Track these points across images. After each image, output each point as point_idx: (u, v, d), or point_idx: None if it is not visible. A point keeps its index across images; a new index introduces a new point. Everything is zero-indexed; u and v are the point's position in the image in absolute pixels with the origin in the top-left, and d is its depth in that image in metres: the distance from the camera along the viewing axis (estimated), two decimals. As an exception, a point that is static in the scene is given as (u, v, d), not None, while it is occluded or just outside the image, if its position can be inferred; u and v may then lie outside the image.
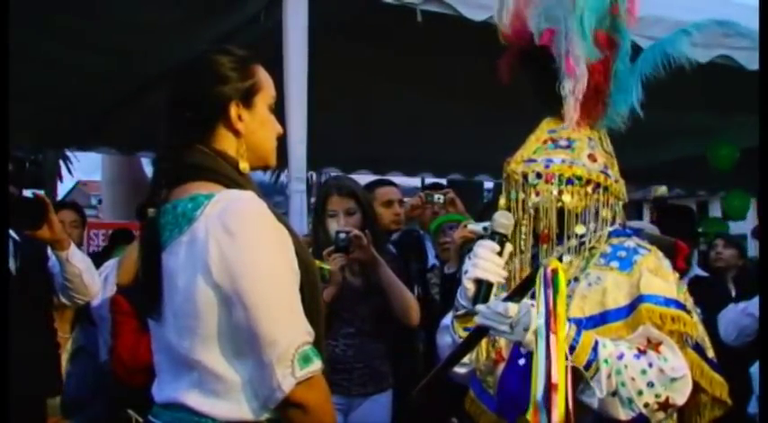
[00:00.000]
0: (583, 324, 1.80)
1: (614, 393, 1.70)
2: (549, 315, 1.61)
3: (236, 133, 1.58)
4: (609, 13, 1.97)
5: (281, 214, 1.57)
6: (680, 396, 1.73)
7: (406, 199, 3.96)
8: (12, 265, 2.84)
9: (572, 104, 1.97)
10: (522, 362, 1.88)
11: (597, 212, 1.94)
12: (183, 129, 1.57)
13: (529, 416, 1.62)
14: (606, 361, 1.70)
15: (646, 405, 1.69)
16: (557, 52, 1.96)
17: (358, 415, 2.88)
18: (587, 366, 1.69)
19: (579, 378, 1.70)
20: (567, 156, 1.94)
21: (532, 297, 1.71)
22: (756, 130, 2.66)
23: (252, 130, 1.60)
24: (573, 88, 1.95)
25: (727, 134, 6.15)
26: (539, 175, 1.92)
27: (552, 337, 1.60)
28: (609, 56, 1.98)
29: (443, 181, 7.14)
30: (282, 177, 6.17)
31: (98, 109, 5.51)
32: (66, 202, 5.90)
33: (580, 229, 1.92)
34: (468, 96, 5.02)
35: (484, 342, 1.96)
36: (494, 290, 1.87)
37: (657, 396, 1.69)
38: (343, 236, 2.79)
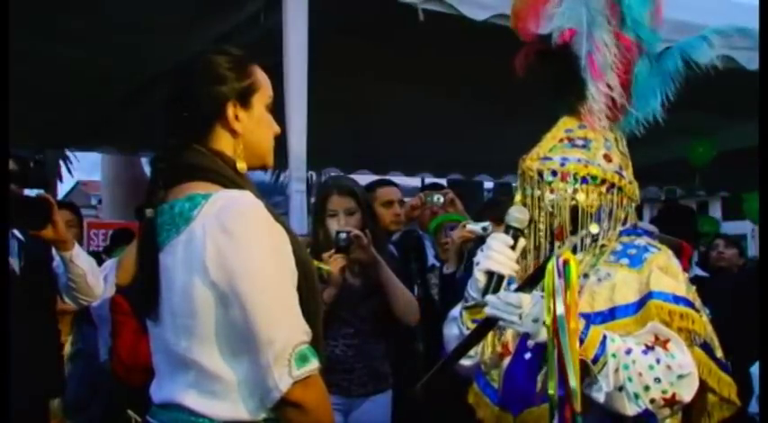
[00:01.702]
0: (591, 319, 1.81)
1: (621, 388, 1.71)
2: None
3: (234, 133, 1.59)
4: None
5: (279, 214, 1.57)
6: (686, 392, 1.73)
7: (405, 199, 3.96)
8: (16, 264, 2.83)
9: (597, 108, 1.98)
10: (528, 356, 1.89)
11: (611, 212, 1.96)
12: (181, 129, 1.58)
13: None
14: (614, 355, 1.71)
15: (652, 401, 1.70)
16: (578, 53, 1.98)
17: (358, 415, 2.88)
18: (595, 360, 1.70)
19: (587, 372, 1.71)
20: (582, 155, 1.96)
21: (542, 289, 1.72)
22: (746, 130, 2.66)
23: (249, 129, 1.60)
24: (599, 91, 1.96)
25: (710, 134, 6.15)
26: (554, 173, 1.94)
27: (566, 327, 1.61)
28: (631, 59, 2.00)
29: (443, 181, 7.14)
30: (282, 177, 6.16)
31: (98, 109, 5.50)
32: (62, 201, 5.90)
33: (594, 228, 1.94)
34: (469, 96, 5.02)
35: (490, 335, 1.97)
36: (504, 283, 1.88)
37: (664, 392, 1.70)
38: (343, 236, 2.78)
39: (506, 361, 1.97)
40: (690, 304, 1.83)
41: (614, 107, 2.00)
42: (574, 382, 1.60)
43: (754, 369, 3.23)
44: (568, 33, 1.99)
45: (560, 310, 1.62)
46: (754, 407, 3.27)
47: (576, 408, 1.60)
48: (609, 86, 1.97)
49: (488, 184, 9.17)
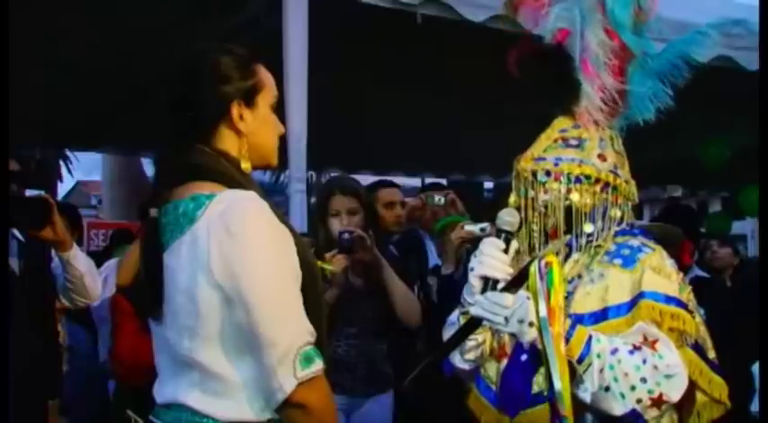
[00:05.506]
0: (584, 320, 1.81)
1: (607, 388, 1.71)
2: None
3: (238, 133, 1.59)
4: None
5: (283, 214, 1.57)
6: (674, 393, 1.73)
7: (406, 199, 3.95)
8: (15, 265, 2.83)
9: (591, 108, 1.98)
10: (524, 358, 1.89)
11: (605, 211, 1.96)
12: (185, 129, 1.58)
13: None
14: (599, 355, 1.71)
15: (638, 401, 1.70)
16: (572, 53, 1.98)
17: (360, 415, 2.88)
18: (580, 360, 1.71)
19: (574, 372, 1.71)
20: (576, 155, 1.96)
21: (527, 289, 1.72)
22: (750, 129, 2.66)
23: (254, 129, 1.60)
24: (593, 91, 1.96)
25: (720, 133, 6.14)
26: (548, 173, 1.94)
27: (550, 329, 1.62)
28: (624, 58, 1.99)
29: (443, 181, 7.13)
30: (282, 177, 6.17)
31: (98, 109, 5.50)
32: (63, 204, 5.90)
33: (588, 228, 1.94)
34: (469, 96, 5.02)
35: (488, 338, 1.97)
36: (499, 287, 1.88)
37: (650, 392, 1.71)
38: (346, 236, 2.78)
39: (503, 363, 1.97)
40: (682, 305, 1.82)
41: (609, 106, 1.99)
42: (559, 384, 1.60)
43: (756, 368, 3.22)
44: (562, 34, 1.99)
45: (542, 312, 1.63)
46: (755, 405, 3.26)
47: (562, 411, 1.60)
48: (603, 86, 1.97)
49: (488, 184, 9.18)
